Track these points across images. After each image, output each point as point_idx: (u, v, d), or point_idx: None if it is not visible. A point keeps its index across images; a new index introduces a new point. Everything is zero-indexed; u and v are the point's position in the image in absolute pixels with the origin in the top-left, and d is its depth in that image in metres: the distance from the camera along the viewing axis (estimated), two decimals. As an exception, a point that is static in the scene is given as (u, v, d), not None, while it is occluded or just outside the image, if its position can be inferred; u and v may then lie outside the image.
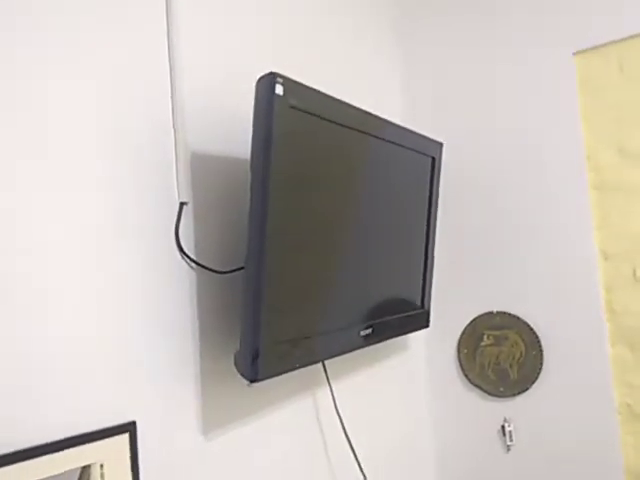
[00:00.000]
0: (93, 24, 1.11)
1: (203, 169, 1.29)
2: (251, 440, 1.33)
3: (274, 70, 1.11)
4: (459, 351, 2.04)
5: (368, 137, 1.43)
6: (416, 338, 2.06)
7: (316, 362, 1.32)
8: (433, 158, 1.82)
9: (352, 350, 1.45)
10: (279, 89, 1.12)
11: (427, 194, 1.82)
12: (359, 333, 1.47)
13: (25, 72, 0.99)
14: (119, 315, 1.09)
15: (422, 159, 1.77)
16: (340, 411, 1.58)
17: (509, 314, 1.96)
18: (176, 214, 1.23)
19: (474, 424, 2.00)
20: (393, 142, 1.54)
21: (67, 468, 0.98)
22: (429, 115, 2.12)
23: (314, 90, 1.22)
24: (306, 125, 1.21)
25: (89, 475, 1.00)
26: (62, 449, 0.98)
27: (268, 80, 1.11)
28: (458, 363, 2.04)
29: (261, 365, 1.13)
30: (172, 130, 1.25)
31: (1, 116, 0.95)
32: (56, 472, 0.96)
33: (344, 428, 1.56)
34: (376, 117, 1.46)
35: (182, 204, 1.25)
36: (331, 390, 1.53)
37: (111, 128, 1.12)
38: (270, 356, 1.15)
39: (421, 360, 2.07)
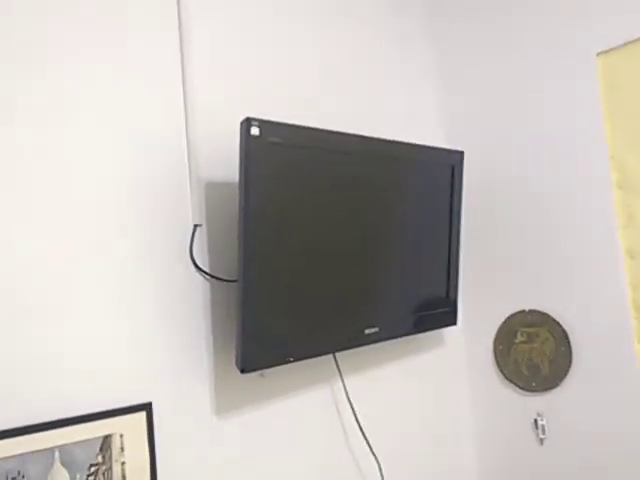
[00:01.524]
0: (112, 69, 1.41)
1: (214, 196, 1.56)
2: (262, 424, 1.58)
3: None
4: (495, 347, 2.14)
5: (362, 157, 1.62)
6: (454, 335, 2.18)
7: (310, 357, 1.54)
8: (452, 166, 1.95)
9: (355, 347, 1.65)
10: (255, 130, 1.35)
11: (448, 199, 1.96)
12: (363, 331, 1.66)
13: (48, 111, 1.31)
14: (144, 318, 1.39)
15: (439, 168, 1.91)
16: (357, 401, 1.78)
17: (540, 312, 2.03)
18: (190, 234, 1.51)
19: (509, 418, 2.10)
20: (394, 157, 1.71)
21: (94, 435, 1.29)
22: (459, 121, 2.23)
23: (292, 125, 1.44)
24: (288, 156, 1.44)
25: (110, 442, 1.30)
26: (90, 420, 1.29)
27: (245, 124, 1.35)
28: (494, 359, 2.14)
29: (249, 358, 1.38)
30: (187, 163, 1.53)
31: (29, 153, 1.28)
32: (85, 437, 1.27)
33: (356, 417, 1.76)
34: (371, 138, 1.65)
35: (196, 226, 1.52)
36: (342, 381, 1.74)
37: (134, 163, 1.42)
38: (258, 350, 1.39)
39: (459, 356, 2.19)
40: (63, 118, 1.33)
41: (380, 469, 1.79)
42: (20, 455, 1.17)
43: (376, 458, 1.79)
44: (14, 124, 1.25)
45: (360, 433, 1.77)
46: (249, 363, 1.39)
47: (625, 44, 1.87)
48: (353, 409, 1.76)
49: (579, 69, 1.95)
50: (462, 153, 1.99)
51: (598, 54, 1.92)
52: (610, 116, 1.90)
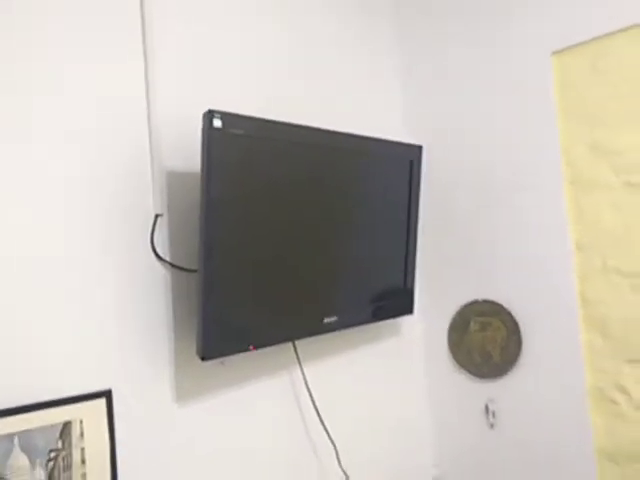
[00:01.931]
0: (79, 62, 1.41)
1: (175, 185, 1.57)
2: (222, 411, 1.61)
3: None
4: (449, 336, 2.22)
5: (322, 149, 1.65)
6: (411, 324, 2.25)
7: (270, 345, 1.58)
8: (411, 160, 2.00)
9: (314, 335, 1.70)
10: (217, 122, 1.37)
11: (407, 192, 2.01)
12: (322, 320, 1.71)
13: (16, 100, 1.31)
14: (105, 306, 1.41)
15: (398, 162, 1.96)
16: (316, 389, 1.82)
17: (493, 302, 2.11)
18: (152, 224, 1.52)
19: (462, 403, 2.18)
20: (354, 150, 1.75)
21: (53, 422, 1.30)
22: (421, 118, 2.29)
23: (254, 118, 1.46)
24: (250, 147, 1.46)
25: (70, 428, 1.32)
26: (50, 407, 1.30)
27: (207, 116, 1.36)
28: (448, 347, 2.22)
29: (210, 346, 1.41)
30: (149, 152, 1.54)
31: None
32: (45, 424, 1.28)
33: (314, 404, 1.80)
34: (331, 132, 1.68)
35: (157, 215, 1.54)
36: (301, 369, 1.78)
37: (95, 153, 1.43)
38: (218, 338, 1.43)
39: (415, 344, 2.26)
40: (23, 108, 1.32)
41: (337, 454, 1.84)
42: (-21, 441, 1.18)
43: (333, 443, 1.84)
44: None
45: (318, 419, 1.81)
46: (210, 351, 1.42)
47: (579, 44, 1.94)
48: (311, 396, 1.80)
49: (534, 68, 2.02)
50: (420, 148, 2.04)
51: (553, 53, 1.99)
52: (563, 113, 1.98)
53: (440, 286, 2.24)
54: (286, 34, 1.93)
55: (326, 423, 1.83)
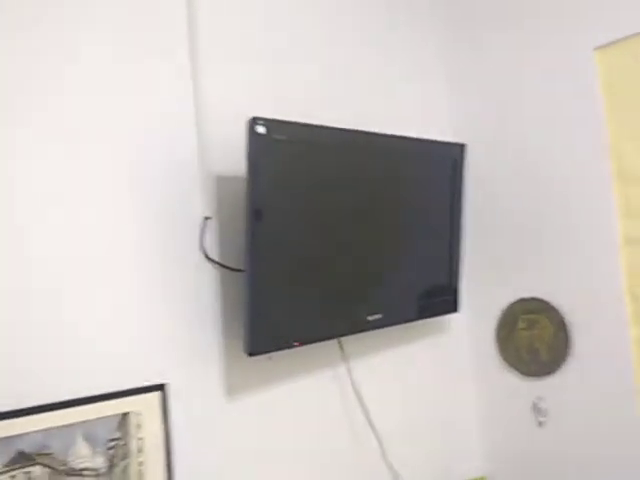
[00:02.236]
0: (130, 65, 1.50)
1: (223, 189, 1.65)
2: (269, 405, 1.68)
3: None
4: (497, 334, 2.22)
5: (364, 151, 1.70)
6: (458, 322, 2.26)
7: (315, 342, 1.63)
8: (454, 159, 2.02)
9: (358, 332, 1.74)
10: (261, 129, 1.44)
11: (450, 190, 2.03)
12: (366, 318, 1.75)
13: (75, 104, 1.41)
14: (159, 305, 1.50)
15: (441, 161, 1.98)
16: (362, 385, 1.87)
17: (539, 299, 2.10)
18: (201, 226, 1.60)
19: (510, 401, 2.18)
20: (396, 151, 1.79)
21: (113, 413, 1.39)
22: (466, 116, 2.30)
23: (297, 124, 1.52)
24: (293, 152, 1.52)
25: (128, 419, 1.41)
26: (110, 399, 1.39)
27: (251, 123, 1.43)
28: (496, 345, 2.22)
29: (255, 342, 1.47)
30: (198, 158, 1.62)
31: (51, 154, 1.38)
32: (105, 415, 1.38)
33: (360, 400, 1.85)
34: (373, 134, 1.73)
35: (206, 218, 1.62)
36: (347, 365, 1.83)
37: (146, 158, 1.52)
38: (264, 335, 1.49)
39: (463, 342, 2.28)
40: (79, 116, 1.42)
41: (383, 450, 1.88)
42: (46, 430, 1.28)
43: (379, 440, 1.88)
44: (31, 124, 1.35)
45: (364, 415, 1.86)
46: (256, 347, 1.48)
47: (621, 39, 1.92)
48: (357, 392, 1.85)
49: (578, 64, 2.00)
50: (464, 146, 2.05)
51: (595, 49, 1.97)
52: (609, 109, 1.96)
53: (487, 284, 2.25)
54: (331, 36, 1.98)
55: (372, 419, 1.87)
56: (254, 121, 1.42)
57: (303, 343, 1.59)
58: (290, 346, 1.55)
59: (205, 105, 1.64)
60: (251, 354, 1.48)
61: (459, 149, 2.04)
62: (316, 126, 1.57)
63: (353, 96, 2.01)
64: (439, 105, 2.31)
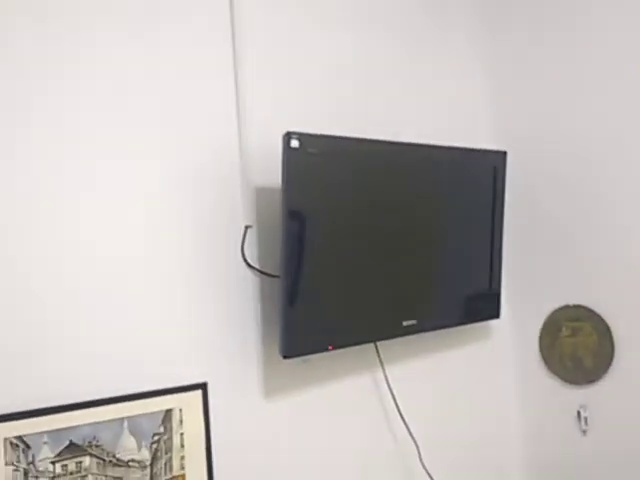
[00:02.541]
0: (173, 85, 1.62)
1: (263, 200, 1.74)
2: (306, 406, 1.75)
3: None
4: (540, 341, 2.22)
5: (399, 161, 1.75)
6: (501, 328, 2.27)
7: (348, 346, 1.69)
8: (495, 166, 2.04)
9: (392, 338, 1.80)
10: (294, 143, 1.52)
11: (491, 197, 2.05)
12: (401, 323, 1.80)
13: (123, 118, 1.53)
14: (201, 309, 1.60)
15: (481, 168, 2.01)
16: (399, 390, 1.91)
17: (584, 307, 2.09)
18: (242, 234, 1.70)
19: (553, 409, 2.18)
20: (437, 160, 1.84)
21: (157, 409, 1.50)
22: (508, 123, 2.30)
23: (330, 137, 1.59)
24: (327, 164, 1.59)
25: (171, 415, 1.52)
26: (154, 396, 1.50)
27: (286, 137, 1.51)
28: (539, 352, 2.22)
29: (290, 345, 1.55)
30: (239, 170, 1.72)
31: (100, 167, 1.50)
32: (150, 411, 1.49)
33: (397, 404, 1.90)
34: (409, 144, 1.79)
35: (247, 227, 1.71)
36: (383, 369, 1.88)
37: (193, 171, 1.62)
38: (298, 339, 1.57)
39: (505, 349, 2.28)
40: (132, 129, 1.54)
41: (419, 454, 1.92)
42: (95, 423, 1.40)
43: (416, 443, 1.92)
44: (101, 140, 1.48)
45: (400, 419, 1.90)
46: (290, 350, 1.56)
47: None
48: (393, 395, 1.89)
49: (631, 62, 1.97)
50: (505, 153, 2.07)
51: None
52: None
53: (531, 290, 2.24)
54: (369, 47, 2.03)
55: (409, 423, 1.91)
56: (288, 135, 1.50)
57: (337, 347, 1.66)
58: (324, 350, 1.62)
59: (246, 119, 1.73)
60: (285, 357, 1.56)
61: (500, 156, 2.06)
62: (348, 138, 1.63)
63: (392, 107, 2.06)
64: (483, 114, 2.32)
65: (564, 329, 2.14)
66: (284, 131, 1.56)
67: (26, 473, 1.29)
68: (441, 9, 2.28)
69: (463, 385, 2.12)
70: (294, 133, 1.51)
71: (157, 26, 1.61)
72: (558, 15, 2.15)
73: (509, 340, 2.29)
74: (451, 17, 2.30)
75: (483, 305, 2.06)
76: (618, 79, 1.98)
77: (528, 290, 2.25)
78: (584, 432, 2.09)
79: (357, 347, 1.82)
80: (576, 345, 2.10)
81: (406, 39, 2.15)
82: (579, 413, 2.10)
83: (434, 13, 2.25)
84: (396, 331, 1.79)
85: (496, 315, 2.10)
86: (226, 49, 1.73)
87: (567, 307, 2.13)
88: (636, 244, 1.94)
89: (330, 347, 1.64)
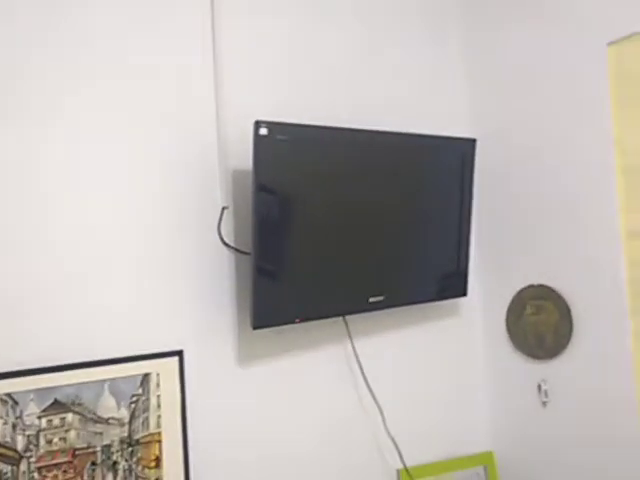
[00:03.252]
0: (153, 71, 1.75)
1: (240, 182, 1.86)
2: (278, 374, 1.89)
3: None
4: (507, 318, 2.34)
5: (364, 147, 1.87)
6: (470, 306, 2.40)
7: (315, 319, 1.83)
8: (463, 153, 2.15)
9: (359, 313, 1.93)
10: (263, 131, 1.64)
11: (459, 181, 2.16)
12: (368, 299, 1.93)
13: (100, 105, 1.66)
14: (180, 283, 1.75)
15: (450, 154, 2.12)
16: (368, 361, 2.04)
17: (547, 286, 2.21)
18: (219, 214, 1.83)
19: (517, 383, 2.31)
20: (403, 147, 1.96)
21: (136, 372, 1.65)
22: (481, 107, 2.41)
23: (298, 125, 1.72)
24: (295, 150, 1.72)
25: (149, 379, 1.67)
26: (134, 361, 1.65)
27: (255, 125, 1.64)
28: (506, 328, 2.35)
29: (259, 317, 1.69)
30: (217, 154, 1.84)
31: (83, 158, 1.64)
32: (129, 374, 1.64)
33: (363, 373, 2.03)
34: (373, 132, 1.89)
35: (224, 208, 1.84)
36: (352, 342, 2.02)
37: (172, 155, 1.75)
38: (267, 311, 1.71)
39: (474, 325, 2.41)
40: (109, 114, 1.68)
41: (384, 420, 2.06)
42: (78, 384, 1.55)
43: (380, 409, 2.06)
44: (70, 121, 1.61)
45: (367, 388, 2.04)
46: (259, 321, 1.70)
47: (633, 34, 1.97)
48: (361, 367, 2.03)
49: (590, 59, 2.06)
50: (474, 141, 2.17)
51: (608, 44, 2.03)
52: (617, 104, 2.02)
53: (499, 271, 2.36)
54: (348, 36, 2.14)
55: (375, 393, 2.05)
56: (257, 124, 1.62)
57: (304, 320, 1.79)
58: (292, 322, 1.76)
59: (224, 108, 1.85)
60: (255, 327, 1.70)
61: (469, 144, 2.16)
62: (315, 126, 1.75)
63: (370, 95, 2.17)
64: (458, 102, 2.42)
65: (528, 307, 2.26)
66: (259, 118, 1.68)
67: (14, 426, 1.44)
68: (424, 4, 2.37)
69: (431, 358, 2.25)
70: (263, 122, 1.63)
71: (136, 5, 1.72)
72: (530, 8, 2.23)
73: (478, 317, 2.42)
74: (422, 5, 2.38)
75: (451, 284, 2.19)
76: (584, 69, 2.07)
77: (496, 270, 2.37)
78: (544, 404, 2.22)
79: (328, 320, 1.96)
80: (539, 323, 2.23)
81: (378, 29, 2.23)
82: (540, 386, 2.22)
83: (415, 9, 2.34)
84: (363, 306, 1.92)
85: (463, 293, 2.23)
86: (205, 35, 1.84)
87: (531, 287, 2.25)
88: (592, 229, 2.05)
89: (297, 320, 1.77)
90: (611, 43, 2.02)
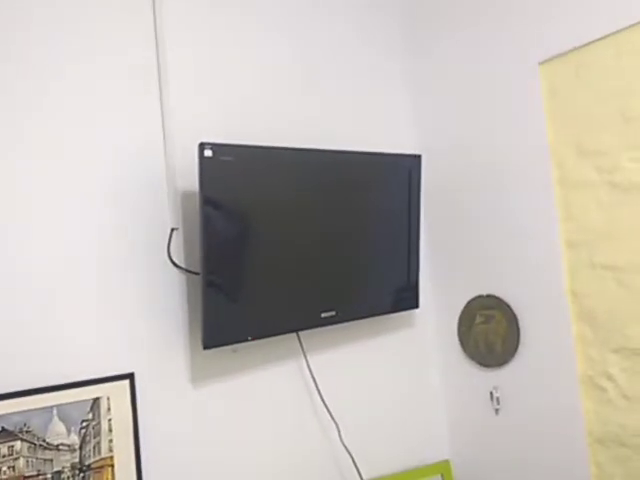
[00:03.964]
0: (97, 91, 1.76)
1: (189, 203, 1.88)
2: (233, 393, 1.90)
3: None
4: (459, 328, 2.40)
5: (310, 165, 1.91)
6: (423, 317, 2.45)
7: (268, 336, 1.85)
8: (410, 169, 2.21)
9: (312, 328, 1.96)
10: (208, 152, 1.66)
11: (407, 197, 2.22)
12: (320, 314, 1.96)
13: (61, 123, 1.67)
14: (130, 305, 1.75)
15: (396, 171, 2.17)
16: (322, 376, 2.07)
17: (495, 296, 2.28)
18: (168, 236, 1.84)
19: (470, 391, 2.36)
20: (345, 163, 2.00)
21: (86, 397, 1.64)
22: (425, 126, 2.48)
23: (242, 146, 1.75)
24: (240, 170, 1.74)
25: (99, 403, 1.66)
26: (83, 386, 1.64)
27: (200, 147, 1.66)
28: (458, 338, 2.40)
29: (210, 336, 1.70)
30: (165, 176, 1.86)
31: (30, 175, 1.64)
32: (79, 399, 1.63)
33: (318, 389, 2.05)
34: (311, 150, 1.95)
35: (172, 229, 1.85)
36: (305, 357, 2.04)
37: (119, 175, 1.77)
38: (218, 330, 1.72)
39: (427, 336, 2.46)
40: (54, 137, 1.68)
41: (339, 433, 2.08)
42: (26, 411, 1.54)
43: (336, 423, 2.08)
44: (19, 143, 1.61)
45: (322, 403, 2.06)
46: (210, 341, 1.72)
47: (563, 54, 2.07)
48: (316, 382, 2.05)
49: (523, 77, 2.16)
50: (419, 157, 2.24)
51: (540, 63, 2.13)
52: (551, 119, 2.11)
53: (450, 283, 2.43)
54: (291, 55, 2.19)
55: (331, 407, 2.07)
56: (202, 146, 1.65)
57: (256, 338, 1.81)
58: (244, 340, 1.77)
59: (171, 128, 1.87)
60: (206, 347, 1.71)
61: (415, 160, 2.22)
62: (260, 147, 1.79)
63: (314, 114, 2.22)
64: (402, 119, 2.49)
65: (478, 317, 2.32)
66: (206, 138, 1.71)
67: (-40, 457, 1.42)
68: (366, 23, 2.44)
69: (385, 370, 2.29)
70: (207, 143, 1.66)
71: (80, 29, 1.74)
72: (469, 29, 2.32)
73: (431, 328, 2.47)
74: (365, 23, 2.44)
75: (402, 296, 2.23)
76: (518, 86, 2.16)
77: (446, 282, 2.43)
78: (496, 411, 2.27)
79: (281, 337, 1.98)
80: (488, 331, 2.29)
81: (321, 47, 2.29)
82: (492, 394, 2.28)
83: (358, 28, 2.41)
84: (315, 322, 1.95)
85: (415, 305, 2.28)
86: (150, 58, 1.87)
87: (480, 297, 2.32)
88: (534, 240, 2.13)
89: (250, 338, 1.79)
90: (542, 62, 2.12)
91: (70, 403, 1.60)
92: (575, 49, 2.03)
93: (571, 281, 2.06)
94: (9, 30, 1.64)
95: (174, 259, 1.84)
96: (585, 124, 2.01)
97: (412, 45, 2.54)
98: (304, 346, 2.04)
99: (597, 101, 1.99)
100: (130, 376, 1.71)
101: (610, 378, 1.97)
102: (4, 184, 1.60)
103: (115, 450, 1.65)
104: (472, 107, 2.32)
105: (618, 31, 1.91)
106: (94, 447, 1.62)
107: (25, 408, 1.53)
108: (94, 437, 1.63)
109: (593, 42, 1.99)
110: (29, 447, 1.52)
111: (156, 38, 1.88)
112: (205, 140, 1.68)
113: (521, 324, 2.19)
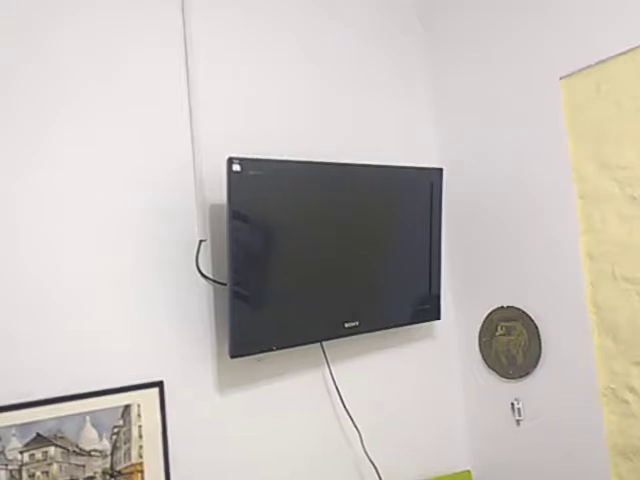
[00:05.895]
0: (131, 111, 1.82)
1: (216, 215, 1.93)
2: (258, 401, 1.94)
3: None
4: (480, 339, 2.42)
5: (335, 179, 1.95)
6: (445, 328, 2.47)
7: (292, 346, 1.89)
8: (432, 182, 2.24)
9: (335, 338, 1.99)
10: (236, 167, 1.71)
11: (429, 209, 2.25)
12: (343, 325, 2.00)
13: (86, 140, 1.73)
14: (159, 315, 1.79)
15: (419, 184, 2.21)
16: (345, 386, 2.10)
17: (516, 308, 2.29)
18: (197, 247, 1.89)
19: (491, 402, 2.38)
20: (373, 178, 2.04)
21: (117, 404, 1.69)
22: (448, 141, 2.52)
23: (269, 160, 1.80)
24: (268, 184, 1.79)
25: (130, 410, 1.71)
26: (114, 393, 1.69)
27: (228, 162, 1.71)
28: (479, 349, 2.42)
29: (237, 346, 1.75)
30: (194, 190, 1.91)
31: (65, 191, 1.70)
32: (110, 406, 1.68)
33: (341, 397, 2.09)
34: (340, 164, 1.98)
35: (201, 241, 1.90)
36: (329, 367, 2.08)
37: (151, 191, 1.82)
38: (244, 340, 1.76)
39: (449, 347, 2.48)
40: (91, 152, 1.75)
41: (362, 441, 2.11)
42: (60, 417, 1.59)
43: (359, 431, 2.11)
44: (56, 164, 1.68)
45: (345, 411, 2.09)
46: (237, 350, 1.76)
47: (584, 68, 2.09)
48: (339, 391, 2.09)
49: (545, 92, 2.18)
50: (441, 170, 2.27)
51: (561, 78, 2.15)
52: (573, 133, 2.13)
53: (471, 294, 2.45)
54: (319, 72, 2.24)
55: (353, 415, 2.10)
56: (230, 160, 1.70)
57: (280, 347, 1.85)
58: (268, 350, 1.81)
59: (200, 146, 1.93)
60: (232, 356, 1.75)
61: (436, 173, 2.26)
62: (286, 161, 1.84)
63: (339, 130, 2.26)
64: (424, 133, 2.52)
65: (499, 328, 2.34)
66: (234, 153, 1.76)
67: (-3, 461, 1.48)
68: (387, 39, 2.48)
69: (407, 380, 2.31)
70: (236, 158, 1.71)
71: (115, 53, 1.81)
72: (490, 46, 2.35)
73: (452, 339, 2.49)
74: (390, 44, 2.49)
75: (424, 308, 2.26)
76: (540, 101, 2.18)
77: (468, 294, 2.45)
78: (518, 422, 2.29)
79: (305, 347, 2.02)
80: (510, 343, 2.31)
81: (348, 65, 2.34)
82: (513, 405, 2.29)
83: (379, 44, 2.45)
84: (339, 332, 1.98)
85: (437, 317, 2.30)
86: (181, 75, 1.93)
87: (502, 308, 2.34)
88: (555, 252, 2.15)
89: (274, 347, 1.83)
90: (563, 77, 2.14)
91: (102, 410, 1.65)
92: (596, 64, 2.05)
93: (592, 293, 2.08)
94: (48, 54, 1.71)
95: (202, 270, 1.88)
96: (606, 138, 2.03)
97: (434, 59, 2.58)
98: (328, 356, 2.07)
99: (618, 115, 2.01)
100: (160, 384, 1.76)
101: (633, 391, 1.98)
102: (49, 201, 1.66)
103: (145, 456, 1.69)
104: (493, 122, 2.35)
105: (639, 46, 1.93)
106: (125, 453, 1.67)
107: (59, 414, 1.58)
108: (124, 443, 1.67)
109: (614, 57, 2.01)
110: (62, 453, 1.57)
111: (186, 58, 1.94)
112: (233, 155, 1.73)
113: (542, 336, 2.20)
